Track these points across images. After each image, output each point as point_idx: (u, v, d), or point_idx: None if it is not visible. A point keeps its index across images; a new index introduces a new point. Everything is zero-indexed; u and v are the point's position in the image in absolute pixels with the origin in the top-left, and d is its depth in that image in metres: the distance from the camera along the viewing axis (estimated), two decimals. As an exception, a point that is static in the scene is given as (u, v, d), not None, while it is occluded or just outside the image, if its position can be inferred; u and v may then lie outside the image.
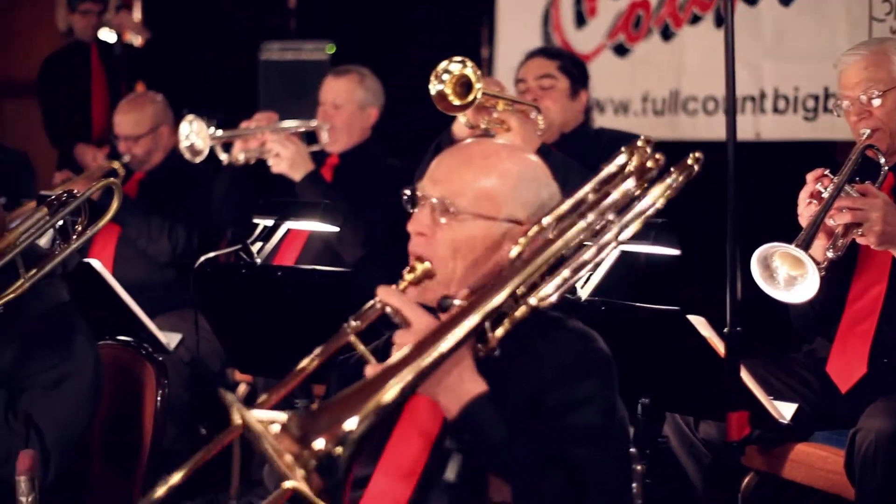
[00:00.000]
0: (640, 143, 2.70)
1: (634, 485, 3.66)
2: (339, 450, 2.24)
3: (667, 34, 6.51)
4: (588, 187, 2.69)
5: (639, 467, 3.65)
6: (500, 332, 2.53)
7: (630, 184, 2.66)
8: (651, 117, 6.59)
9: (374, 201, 5.60)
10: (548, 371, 2.61)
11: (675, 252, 3.80)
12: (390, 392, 2.34)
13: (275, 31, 8.26)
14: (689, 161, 2.71)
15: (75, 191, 3.86)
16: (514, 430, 2.48)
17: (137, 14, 8.74)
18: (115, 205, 3.95)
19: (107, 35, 8.26)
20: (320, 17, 8.32)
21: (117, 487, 3.99)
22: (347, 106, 5.98)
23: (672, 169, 2.69)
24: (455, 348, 2.43)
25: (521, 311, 2.53)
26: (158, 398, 3.92)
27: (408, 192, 2.79)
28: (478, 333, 2.50)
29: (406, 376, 2.35)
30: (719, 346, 3.46)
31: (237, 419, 2.20)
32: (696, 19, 6.37)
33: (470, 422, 2.47)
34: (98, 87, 8.22)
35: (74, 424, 3.61)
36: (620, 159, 2.70)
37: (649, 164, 2.67)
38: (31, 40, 11.20)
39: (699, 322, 3.53)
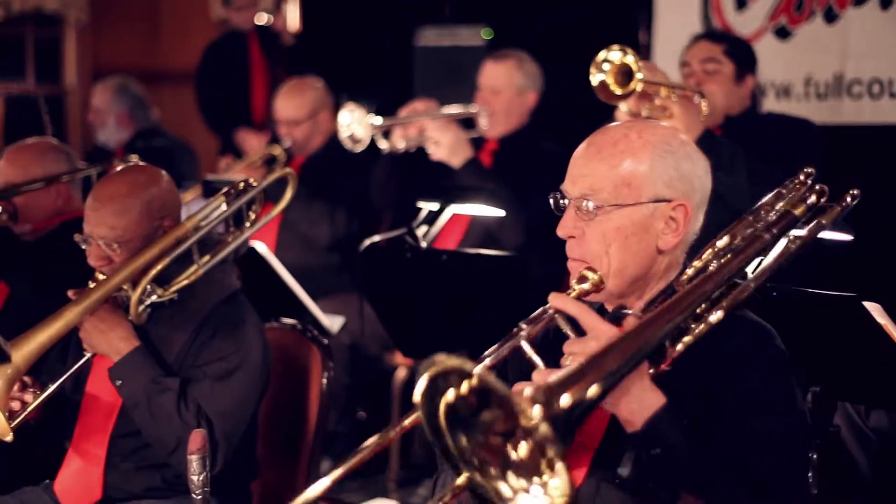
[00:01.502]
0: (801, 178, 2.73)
1: (809, 474, 3.59)
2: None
3: (830, 16, 6.36)
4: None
5: (814, 456, 3.57)
6: (679, 347, 2.48)
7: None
8: (814, 101, 6.44)
9: (533, 186, 5.57)
10: (722, 369, 2.56)
11: (849, 237, 3.71)
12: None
13: (431, 17, 8.26)
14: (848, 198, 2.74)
15: (251, 180, 3.91)
16: (696, 440, 2.43)
17: (294, 5, 8.83)
18: (289, 193, 4.00)
19: (264, 19, 8.38)
20: (476, 1, 8.30)
21: (283, 468, 4.04)
22: (506, 91, 5.96)
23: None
24: (638, 363, 2.38)
25: (700, 329, 2.49)
26: (324, 380, 3.97)
27: (554, 196, 2.77)
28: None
29: (591, 387, 2.25)
30: (895, 334, 3.37)
31: (469, 368, 2.11)
32: (860, 1, 6.22)
33: (656, 435, 2.41)
34: (258, 73, 8.34)
35: (242, 414, 3.67)
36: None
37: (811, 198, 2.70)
38: (186, 30, 11.41)
39: (875, 309, 3.43)
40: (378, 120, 5.78)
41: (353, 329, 5.45)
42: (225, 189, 3.89)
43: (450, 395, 2.16)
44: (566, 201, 2.73)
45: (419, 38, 8.08)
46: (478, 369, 2.10)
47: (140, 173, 3.82)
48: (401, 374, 5.87)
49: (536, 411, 2.08)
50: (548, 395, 2.16)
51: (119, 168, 4.01)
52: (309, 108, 6.47)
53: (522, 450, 2.17)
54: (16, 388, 3.57)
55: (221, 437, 3.56)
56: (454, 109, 5.91)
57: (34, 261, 4.70)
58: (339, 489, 5.92)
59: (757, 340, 2.61)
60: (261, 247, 4.77)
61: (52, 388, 3.59)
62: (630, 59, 4.22)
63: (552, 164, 5.40)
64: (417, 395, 2.16)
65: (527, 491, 2.16)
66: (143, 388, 3.56)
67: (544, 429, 2.06)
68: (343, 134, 5.80)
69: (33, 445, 3.84)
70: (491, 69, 6.05)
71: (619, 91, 4.25)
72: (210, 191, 5.24)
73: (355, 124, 5.77)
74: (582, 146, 2.78)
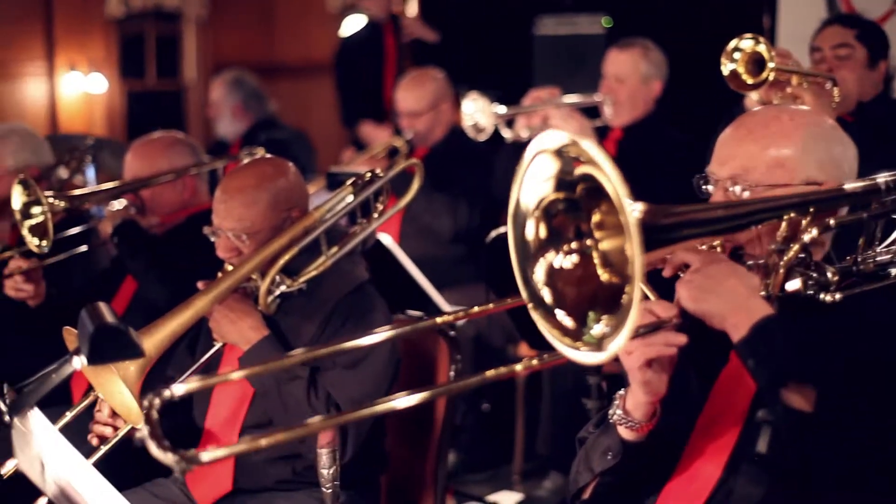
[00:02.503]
0: None
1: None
2: None
3: (963, -7, 6.18)
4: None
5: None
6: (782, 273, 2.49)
7: None
8: (947, 84, 6.27)
9: (658, 175, 5.48)
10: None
11: None
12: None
13: (550, 5, 8.19)
14: None
15: (377, 171, 3.89)
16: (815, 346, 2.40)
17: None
18: (416, 184, 3.97)
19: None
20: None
21: (411, 460, 4.03)
22: (631, 79, 5.88)
23: None
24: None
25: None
26: (452, 373, 3.93)
27: (697, 179, 2.73)
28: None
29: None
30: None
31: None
32: None
33: (763, 337, 2.37)
34: (391, 65, 8.34)
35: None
36: None
37: None
38: (302, 22, 11.48)
39: None
40: (502, 109, 5.73)
41: (479, 321, 5.42)
42: (352, 180, 3.88)
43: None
44: (710, 186, 2.69)
45: (538, 26, 8.02)
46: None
47: (267, 165, 3.83)
48: (519, 367, 5.83)
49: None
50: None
51: (246, 160, 4.02)
52: (430, 100, 6.45)
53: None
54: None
55: (351, 425, 3.55)
56: (578, 98, 5.85)
57: (161, 254, 4.73)
58: (465, 481, 5.91)
59: None
60: (386, 239, 4.76)
61: (184, 376, 3.61)
62: (762, 48, 4.11)
63: (677, 151, 5.32)
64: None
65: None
66: (275, 376, 3.56)
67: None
68: (466, 123, 5.76)
69: (164, 433, 3.86)
70: (616, 57, 5.97)
71: (750, 80, 4.15)
72: (334, 183, 5.23)
73: (479, 113, 5.74)
74: (730, 128, 2.74)
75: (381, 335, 2.40)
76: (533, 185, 2.20)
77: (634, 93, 5.89)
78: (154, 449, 1.97)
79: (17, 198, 4.62)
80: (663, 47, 6.13)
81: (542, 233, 2.22)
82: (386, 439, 3.92)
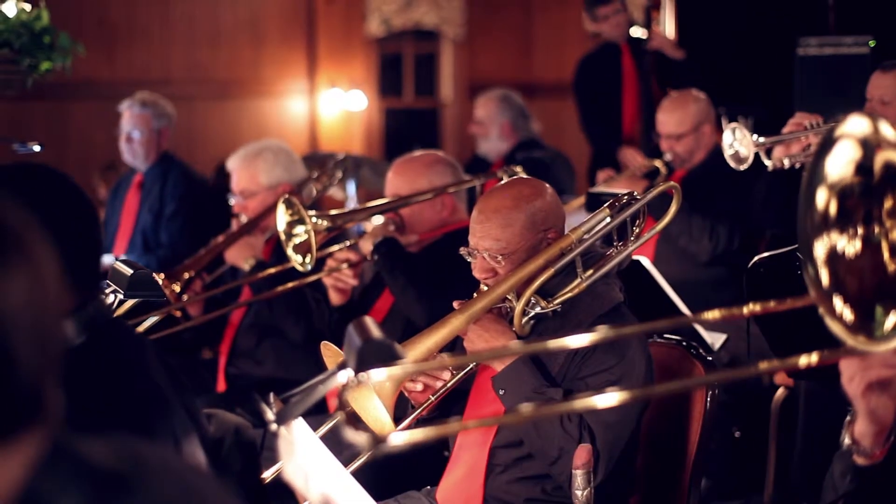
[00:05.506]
0: None
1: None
2: None
3: None
4: None
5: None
6: None
7: None
8: None
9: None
10: None
11: None
12: None
13: (812, 27, 8.02)
14: None
15: (636, 193, 3.87)
16: None
17: (670, 17, 8.74)
18: (673, 207, 3.93)
19: (637, 32, 8.34)
20: (860, 10, 8.00)
21: (663, 485, 3.99)
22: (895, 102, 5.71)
23: None
24: None
25: None
26: (708, 398, 3.88)
27: None
28: None
29: None
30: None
31: None
32: None
33: None
34: (629, 86, 8.31)
35: (625, 426, 3.62)
36: None
37: None
38: (559, 43, 11.52)
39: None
40: (761, 139, 5.63)
41: (737, 347, 5.33)
42: (609, 201, 3.87)
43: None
44: None
45: (800, 48, 7.85)
46: None
47: (525, 186, 3.85)
48: (780, 393, 5.71)
49: None
50: None
51: (504, 181, 4.05)
52: (692, 122, 6.39)
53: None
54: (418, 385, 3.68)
55: (603, 449, 3.53)
56: (841, 123, 5.69)
57: (419, 272, 4.81)
58: (714, 509, 5.82)
59: None
60: (644, 261, 4.73)
61: (440, 391, 3.66)
62: None
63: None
64: None
65: None
66: (527, 397, 3.57)
67: None
68: (727, 153, 5.68)
69: (418, 451, 3.92)
70: (880, 80, 5.78)
71: None
72: (594, 203, 5.24)
73: (738, 143, 5.65)
74: None
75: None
76: (832, 164, 2.13)
77: (901, 116, 5.71)
78: (348, 431, 2.01)
79: (281, 217, 4.76)
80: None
81: (832, 210, 2.15)
82: (638, 461, 3.90)
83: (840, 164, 2.11)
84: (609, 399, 3.53)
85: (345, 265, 4.91)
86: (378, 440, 1.97)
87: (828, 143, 2.12)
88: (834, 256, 2.14)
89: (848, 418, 2.55)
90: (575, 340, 2.38)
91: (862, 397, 2.40)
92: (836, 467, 2.67)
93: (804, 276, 2.14)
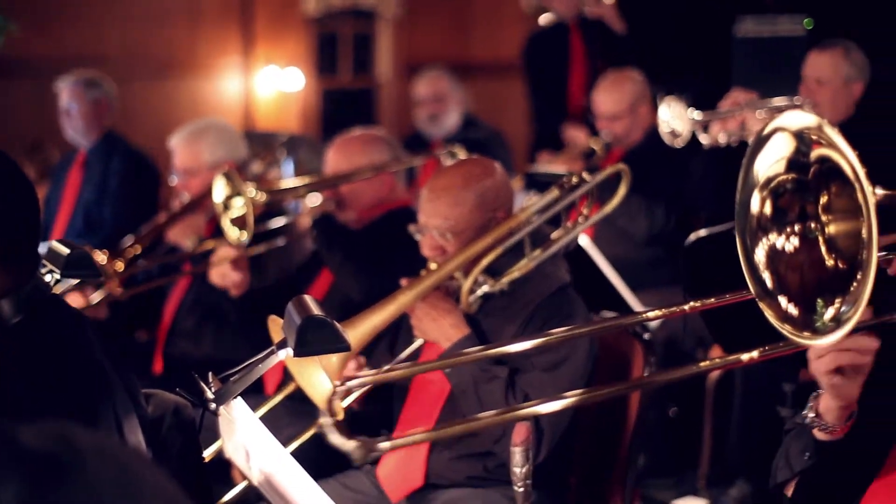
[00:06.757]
0: None
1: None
2: None
3: None
4: None
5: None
6: None
7: None
8: None
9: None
10: None
11: None
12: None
13: (749, 6, 8.05)
14: None
15: (584, 174, 3.89)
16: None
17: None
18: (622, 190, 3.96)
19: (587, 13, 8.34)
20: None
21: (601, 462, 4.01)
22: (832, 81, 5.75)
23: None
24: None
25: None
26: (645, 375, 3.90)
27: None
28: None
29: None
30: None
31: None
32: None
33: None
34: (577, 65, 8.31)
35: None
36: None
37: None
38: (496, 22, 11.51)
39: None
40: (698, 114, 5.66)
41: (673, 325, 5.36)
42: (560, 182, 3.89)
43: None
44: None
45: (737, 28, 7.89)
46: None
47: (475, 165, 3.86)
48: (715, 371, 5.75)
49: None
50: None
51: (450, 161, 4.06)
52: (629, 102, 6.42)
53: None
54: (352, 366, 3.66)
55: (548, 427, 3.55)
56: (777, 101, 5.73)
57: (358, 248, 4.80)
58: (650, 486, 5.86)
59: None
60: (584, 240, 4.75)
61: (386, 367, 3.65)
62: None
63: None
64: None
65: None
66: (473, 375, 3.58)
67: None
68: (663, 129, 5.70)
69: (359, 430, 3.91)
70: (816, 59, 5.84)
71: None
72: (532, 183, 5.24)
73: (675, 119, 5.67)
74: None
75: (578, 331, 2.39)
76: (765, 161, 2.15)
77: (835, 95, 5.75)
78: (336, 437, 2.00)
79: (220, 190, 4.74)
80: (865, 48, 5.98)
81: (767, 210, 2.17)
82: (575, 439, 3.91)
83: (774, 161, 2.13)
84: (554, 378, 3.57)
85: (225, 263, 4.90)
86: (370, 449, 1.97)
87: (761, 140, 2.13)
88: (774, 256, 2.17)
89: (814, 394, 2.57)
90: (521, 346, 2.41)
91: (826, 375, 2.41)
92: (792, 446, 2.69)
93: (745, 276, 2.17)
